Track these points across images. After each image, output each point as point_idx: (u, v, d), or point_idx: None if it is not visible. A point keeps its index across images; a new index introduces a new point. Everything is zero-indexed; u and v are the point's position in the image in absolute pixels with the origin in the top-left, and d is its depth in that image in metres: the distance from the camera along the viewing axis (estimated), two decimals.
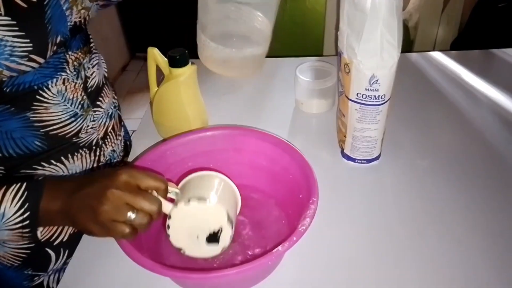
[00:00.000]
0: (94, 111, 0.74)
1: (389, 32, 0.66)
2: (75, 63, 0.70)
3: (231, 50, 1.03)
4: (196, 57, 1.09)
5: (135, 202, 0.52)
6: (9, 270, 0.74)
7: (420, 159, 0.83)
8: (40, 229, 0.59)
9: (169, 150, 0.70)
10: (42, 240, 0.72)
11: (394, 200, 0.75)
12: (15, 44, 0.57)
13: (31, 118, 0.65)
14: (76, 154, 0.72)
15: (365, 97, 0.73)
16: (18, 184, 0.56)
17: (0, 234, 0.57)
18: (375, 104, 0.73)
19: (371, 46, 0.67)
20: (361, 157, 0.81)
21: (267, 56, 1.13)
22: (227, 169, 0.65)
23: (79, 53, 0.71)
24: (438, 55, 1.17)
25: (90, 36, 0.77)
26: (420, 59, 1.16)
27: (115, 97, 0.86)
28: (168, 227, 0.56)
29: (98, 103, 0.76)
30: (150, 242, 0.65)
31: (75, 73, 0.69)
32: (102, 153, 0.78)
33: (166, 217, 0.56)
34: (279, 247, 0.53)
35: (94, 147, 0.75)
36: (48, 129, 0.67)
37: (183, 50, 0.81)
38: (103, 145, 0.78)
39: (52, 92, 0.66)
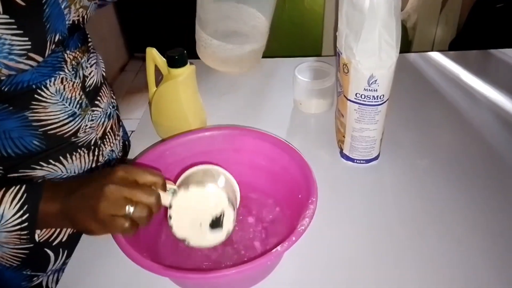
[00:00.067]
0: (93, 111, 0.74)
1: (387, 32, 0.66)
2: (73, 62, 0.69)
3: (233, 46, 1.03)
4: (195, 57, 1.09)
5: (133, 195, 0.52)
6: (7, 271, 0.73)
7: (420, 159, 0.83)
8: (38, 231, 0.58)
9: (168, 150, 0.70)
10: (41, 241, 0.72)
11: (394, 200, 0.75)
12: (14, 42, 0.57)
13: (29, 118, 0.65)
14: (74, 153, 0.72)
15: (364, 97, 0.73)
16: (18, 186, 0.56)
17: None
18: (373, 104, 0.73)
19: (370, 46, 0.67)
20: (360, 157, 0.81)
21: (267, 56, 1.13)
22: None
23: (77, 52, 0.71)
24: (436, 56, 1.17)
25: (88, 36, 0.77)
26: (419, 59, 1.16)
27: (114, 97, 0.85)
28: (170, 217, 0.55)
29: (97, 102, 0.76)
30: (149, 242, 0.65)
31: (73, 72, 0.69)
32: (100, 153, 0.77)
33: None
34: (278, 247, 0.53)
35: (92, 147, 0.75)
36: (46, 128, 0.67)
37: (181, 50, 0.80)
38: (102, 145, 0.78)
39: (50, 91, 0.66)
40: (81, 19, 0.70)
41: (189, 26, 1.07)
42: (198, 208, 0.56)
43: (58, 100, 0.67)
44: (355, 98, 0.74)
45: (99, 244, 0.68)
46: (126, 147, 0.91)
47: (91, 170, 0.76)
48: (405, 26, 1.37)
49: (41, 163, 0.68)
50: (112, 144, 0.81)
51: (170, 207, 0.55)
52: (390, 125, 0.83)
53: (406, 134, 0.89)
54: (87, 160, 0.75)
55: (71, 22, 0.67)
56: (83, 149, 0.73)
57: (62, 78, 0.67)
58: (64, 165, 0.71)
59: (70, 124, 0.70)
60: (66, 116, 0.69)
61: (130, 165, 0.55)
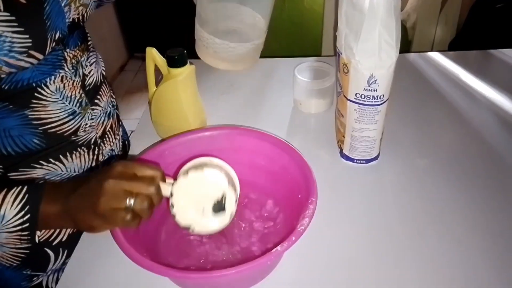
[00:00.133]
0: (92, 109, 0.74)
1: (387, 32, 0.66)
2: (73, 60, 0.69)
3: (235, 44, 1.03)
4: (195, 57, 1.09)
5: (132, 187, 0.52)
6: (7, 270, 0.73)
7: (420, 159, 0.83)
8: (38, 232, 0.59)
9: (168, 150, 0.70)
10: (41, 240, 0.72)
11: (394, 200, 0.75)
12: (14, 39, 0.57)
13: (29, 116, 0.65)
14: (74, 152, 0.72)
15: (364, 97, 0.73)
16: (19, 187, 0.57)
17: None
18: (373, 104, 0.73)
19: (369, 46, 0.67)
20: (360, 157, 0.81)
21: (266, 56, 1.13)
22: None
23: (77, 51, 0.71)
24: (436, 56, 1.17)
25: (88, 35, 0.77)
26: (418, 59, 1.16)
27: (113, 96, 0.85)
28: (172, 206, 0.55)
29: (96, 101, 0.76)
30: (149, 242, 0.65)
31: (73, 70, 0.69)
32: (100, 152, 0.77)
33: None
34: (278, 247, 0.53)
35: (92, 146, 0.75)
36: (46, 127, 0.67)
37: (181, 50, 0.81)
38: (102, 144, 0.78)
39: (50, 90, 0.66)
40: (81, 17, 0.70)
41: (189, 26, 1.06)
42: (199, 194, 0.56)
43: (58, 98, 0.67)
44: (355, 98, 0.74)
45: (99, 244, 0.68)
46: (125, 147, 0.91)
47: (91, 169, 0.76)
48: (404, 26, 1.37)
49: (41, 161, 0.68)
50: (112, 144, 0.81)
51: (171, 195, 0.55)
52: (390, 125, 0.83)
53: (406, 134, 0.89)
54: (87, 159, 0.75)
55: (71, 20, 0.67)
56: (83, 148, 0.73)
57: (62, 77, 0.67)
58: (64, 164, 0.71)
59: (70, 123, 0.70)
60: (66, 115, 0.69)
61: (129, 160, 0.55)
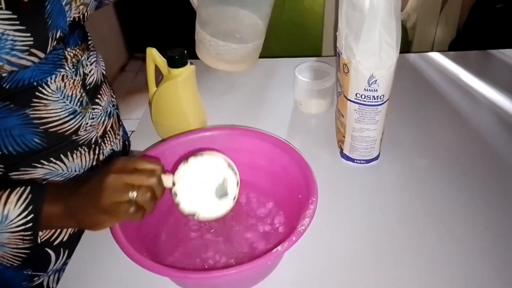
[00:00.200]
0: (93, 109, 0.74)
1: (387, 32, 0.66)
2: (74, 60, 0.70)
3: (238, 46, 1.03)
4: (195, 57, 1.09)
5: (134, 180, 0.53)
6: (8, 270, 0.73)
7: (420, 159, 0.83)
8: (40, 233, 0.59)
9: (168, 150, 0.70)
10: (42, 240, 0.72)
11: (394, 200, 0.75)
12: (16, 38, 0.57)
13: (30, 115, 0.65)
14: (75, 152, 0.72)
15: (364, 98, 0.73)
16: (22, 188, 0.57)
17: (0, 237, 0.57)
18: (374, 104, 0.73)
19: (370, 46, 0.67)
20: (360, 157, 0.81)
21: (266, 57, 1.13)
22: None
23: (78, 50, 0.71)
24: (436, 56, 1.17)
25: (88, 34, 0.77)
26: (419, 59, 1.16)
27: (114, 96, 0.86)
28: (175, 195, 0.56)
29: (97, 100, 0.76)
30: (150, 242, 0.65)
31: (73, 70, 0.70)
32: (101, 151, 0.78)
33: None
34: (279, 247, 0.53)
35: (93, 146, 0.75)
36: (47, 126, 0.67)
37: (181, 50, 0.81)
38: (102, 143, 0.78)
39: (51, 89, 0.66)
40: (81, 16, 0.70)
41: (189, 26, 1.06)
42: (201, 180, 0.56)
43: (59, 97, 0.67)
44: (355, 98, 0.74)
45: (100, 244, 0.68)
46: (126, 147, 0.91)
47: (91, 169, 0.76)
48: (405, 26, 1.37)
49: (42, 161, 0.69)
50: (112, 143, 0.81)
51: (173, 184, 0.56)
52: (390, 125, 0.83)
53: (406, 134, 0.90)
54: (87, 159, 0.75)
55: (71, 19, 0.67)
56: (83, 147, 0.74)
57: (62, 76, 0.67)
58: (65, 164, 0.71)
59: (70, 122, 0.70)
60: (67, 114, 0.69)
61: (128, 156, 0.56)
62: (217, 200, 0.57)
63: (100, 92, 0.77)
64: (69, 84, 0.69)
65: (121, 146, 0.86)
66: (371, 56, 0.68)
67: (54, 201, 0.56)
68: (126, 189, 0.52)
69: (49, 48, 0.62)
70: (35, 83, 0.64)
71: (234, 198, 0.58)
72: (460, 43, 1.39)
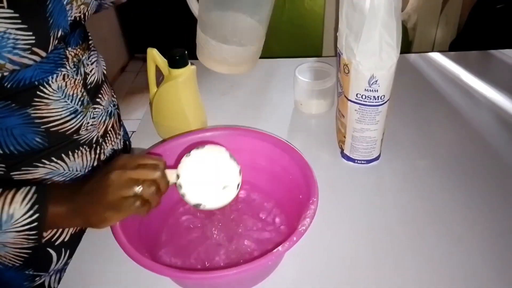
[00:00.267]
0: (94, 108, 0.75)
1: (387, 33, 0.67)
2: (75, 59, 0.70)
3: (243, 48, 1.03)
4: (196, 57, 1.09)
5: (138, 174, 0.54)
6: (9, 271, 0.73)
7: (420, 159, 0.83)
8: (45, 233, 0.59)
9: (169, 150, 0.70)
10: (43, 240, 0.72)
11: (394, 200, 0.75)
12: (18, 36, 0.57)
13: (31, 115, 0.65)
14: (76, 151, 0.73)
15: (365, 98, 0.73)
16: (28, 187, 0.57)
17: (5, 237, 0.57)
18: (374, 104, 0.73)
19: (370, 46, 0.68)
20: (360, 157, 0.82)
21: (267, 57, 1.13)
22: None
23: (78, 49, 0.71)
24: (436, 56, 1.17)
25: (89, 34, 0.77)
26: (419, 59, 1.17)
27: (114, 96, 0.86)
28: (180, 187, 0.57)
29: (98, 100, 0.76)
30: (150, 242, 0.65)
31: (74, 69, 0.70)
32: (102, 151, 0.78)
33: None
34: (279, 247, 0.53)
35: (94, 145, 0.76)
36: (48, 125, 0.67)
37: (182, 51, 0.81)
38: (103, 143, 0.78)
39: (52, 88, 0.66)
40: (82, 16, 0.70)
41: (190, 26, 1.06)
42: (204, 170, 0.57)
43: (60, 97, 0.68)
44: (355, 99, 0.74)
45: (101, 244, 0.68)
46: (126, 147, 0.91)
47: (93, 169, 0.76)
48: (405, 26, 1.37)
49: (43, 160, 0.69)
50: (113, 143, 0.81)
51: (178, 177, 0.57)
52: (390, 125, 0.83)
53: (407, 135, 0.90)
54: (89, 158, 0.75)
55: (72, 18, 0.68)
56: (84, 147, 0.74)
57: (64, 75, 0.68)
58: (66, 163, 0.72)
59: (72, 122, 0.70)
60: (68, 113, 0.69)
61: (130, 154, 0.57)
62: (221, 190, 0.58)
63: (101, 91, 0.78)
64: (70, 84, 0.69)
65: (122, 145, 0.86)
66: (372, 57, 0.68)
67: (60, 200, 0.57)
68: (131, 184, 0.53)
69: (50, 47, 0.62)
70: (36, 83, 0.64)
71: (238, 186, 0.59)
72: (461, 44, 1.39)
